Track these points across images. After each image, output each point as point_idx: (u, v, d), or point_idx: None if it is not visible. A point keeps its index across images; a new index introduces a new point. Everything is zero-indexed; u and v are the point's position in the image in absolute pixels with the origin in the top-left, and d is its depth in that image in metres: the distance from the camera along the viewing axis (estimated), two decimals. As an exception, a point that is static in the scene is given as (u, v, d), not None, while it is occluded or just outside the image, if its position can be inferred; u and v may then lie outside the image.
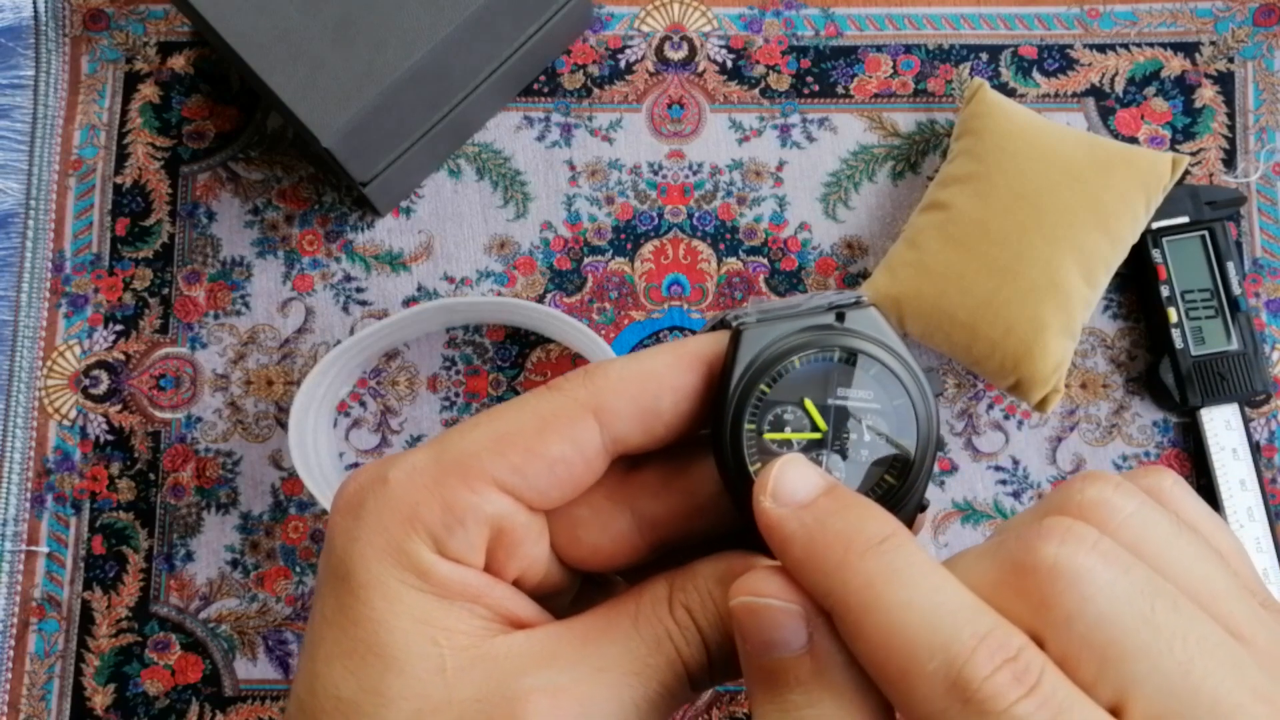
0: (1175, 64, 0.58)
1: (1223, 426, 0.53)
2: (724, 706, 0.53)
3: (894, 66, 0.58)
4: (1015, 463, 0.55)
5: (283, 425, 0.55)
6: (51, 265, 0.57)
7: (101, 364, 0.56)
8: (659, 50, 0.58)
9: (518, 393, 0.56)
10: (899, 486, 0.24)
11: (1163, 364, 0.54)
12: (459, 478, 0.23)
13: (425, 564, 0.23)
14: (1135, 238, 0.52)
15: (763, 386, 0.24)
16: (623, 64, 0.58)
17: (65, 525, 0.55)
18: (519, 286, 0.57)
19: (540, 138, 0.58)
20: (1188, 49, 0.58)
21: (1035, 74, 0.58)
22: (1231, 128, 0.57)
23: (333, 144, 0.48)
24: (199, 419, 0.56)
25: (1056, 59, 0.58)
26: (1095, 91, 0.58)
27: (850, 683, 0.20)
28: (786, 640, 0.20)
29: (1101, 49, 0.58)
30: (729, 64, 0.58)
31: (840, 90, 0.58)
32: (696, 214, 0.57)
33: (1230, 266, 0.54)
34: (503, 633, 0.23)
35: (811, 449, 0.24)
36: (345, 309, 0.56)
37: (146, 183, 0.57)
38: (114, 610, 0.54)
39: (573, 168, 0.57)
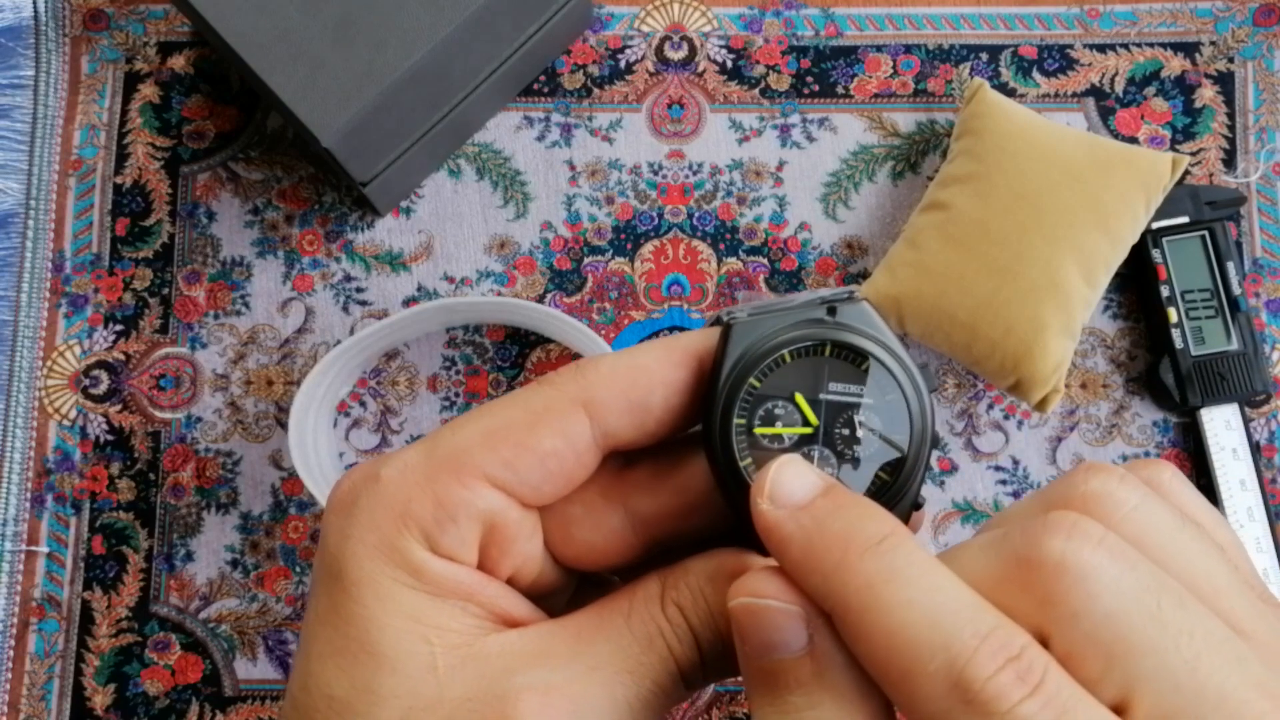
0: (1175, 64, 0.58)
1: (1223, 426, 0.53)
2: (724, 706, 0.53)
3: (894, 66, 0.58)
4: (1015, 463, 0.55)
5: (283, 425, 0.55)
6: (51, 265, 0.57)
7: (101, 364, 0.56)
8: (659, 50, 0.58)
9: (518, 393, 0.55)
10: (892, 483, 0.23)
11: (1163, 364, 0.54)
12: (451, 474, 0.23)
13: (417, 561, 0.23)
14: (1135, 238, 0.52)
15: (753, 381, 0.24)
16: (623, 64, 0.58)
17: (65, 525, 0.55)
18: (519, 286, 0.57)
19: (540, 138, 0.58)
20: (1188, 49, 0.58)
21: (1035, 74, 0.58)
22: (1231, 128, 0.57)
23: (333, 144, 0.48)
24: (199, 419, 0.56)
25: (1056, 59, 0.58)
26: (1095, 91, 0.58)
27: (851, 684, 0.20)
28: (786, 641, 0.20)
29: (1101, 49, 0.58)
30: (729, 64, 0.58)
31: (840, 90, 0.58)
32: (696, 214, 0.57)
33: (1230, 266, 0.54)
34: (495, 631, 0.23)
35: (803, 444, 0.24)
36: (345, 309, 0.56)
37: (146, 183, 0.57)
38: (114, 610, 0.54)
39: (573, 168, 0.57)
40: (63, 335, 0.56)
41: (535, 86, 0.58)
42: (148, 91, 0.58)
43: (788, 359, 0.24)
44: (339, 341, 0.56)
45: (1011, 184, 0.51)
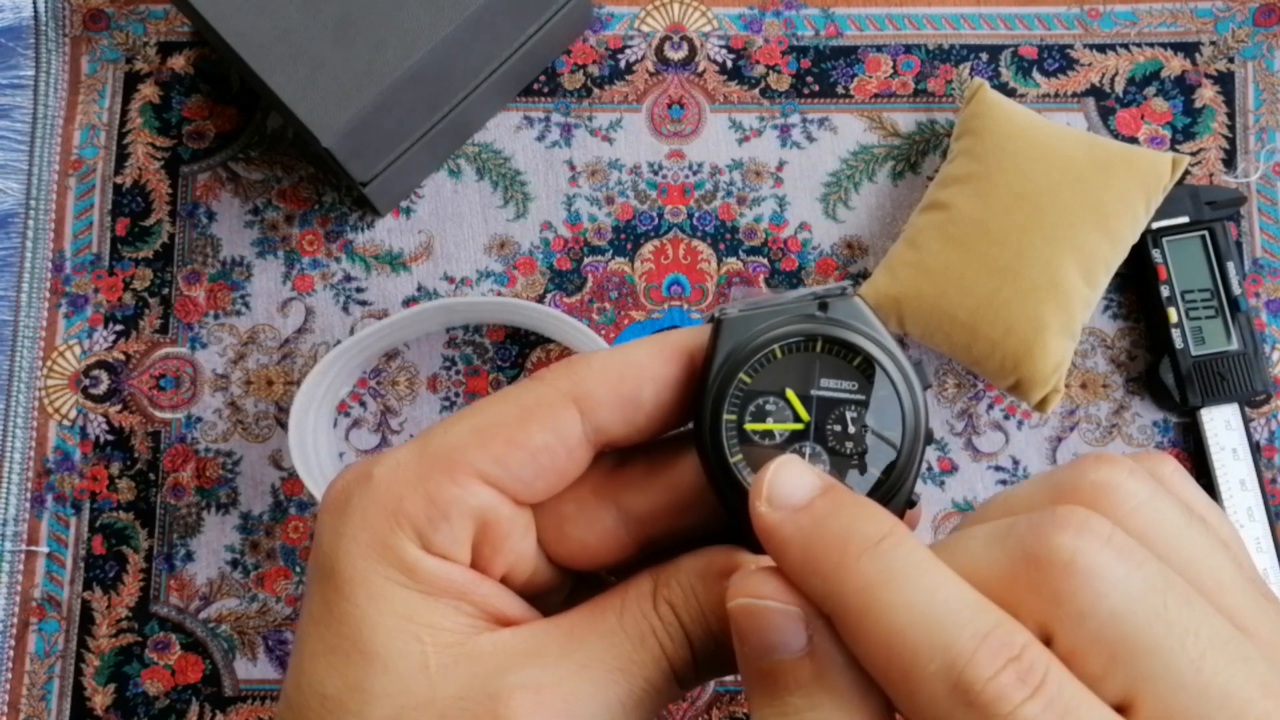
0: (1175, 64, 0.58)
1: (1223, 426, 0.53)
2: (724, 706, 0.53)
3: (894, 66, 0.58)
4: (1015, 463, 0.55)
5: (283, 425, 0.55)
6: (51, 265, 0.57)
7: (101, 364, 0.56)
8: (659, 50, 0.58)
9: (518, 393, 0.55)
10: (885, 480, 0.23)
11: (1163, 364, 0.54)
12: (442, 471, 0.23)
13: (410, 559, 0.23)
14: (1135, 238, 0.52)
15: (743, 376, 0.24)
16: (623, 64, 0.58)
17: (65, 525, 0.55)
18: (519, 286, 0.57)
19: (540, 138, 0.58)
20: (1188, 49, 0.58)
21: (1035, 74, 0.58)
22: (1231, 128, 0.57)
23: (333, 144, 0.48)
24: (199, 419, 0.56)
25: (1056, 59, 0.58)
26: (1095, 91, 0.58)
27: (851, 684, 0.20)
28: (786, 642, 0.20)
29: (1101, 49, 0.58)
30: (729, 64, 0.58)
31: (840, 90, 0.58)
32: (696, 214, 0.57)
33: (1230, 266, 0.54)
34: (488, 630, 0.23)
35: (794, 440, 0.24)
36: (345, 309, 0.56)
37: (146, 183, 0.57)
38: (114, 610, 0.54)
39: (573, 168, 0.57)
40: (63, 335, 0.56)
41: (535, 86, 0.58)
42: (148, 91, 0.58)
43: (779, 354, 0.24)
44: (339, 341, 0.56)
45: (1011, 184, 0.51)
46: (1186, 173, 0.57)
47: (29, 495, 0.55)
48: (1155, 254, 0.54)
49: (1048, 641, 0.18)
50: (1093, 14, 0.58)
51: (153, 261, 0.57)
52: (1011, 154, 0.52)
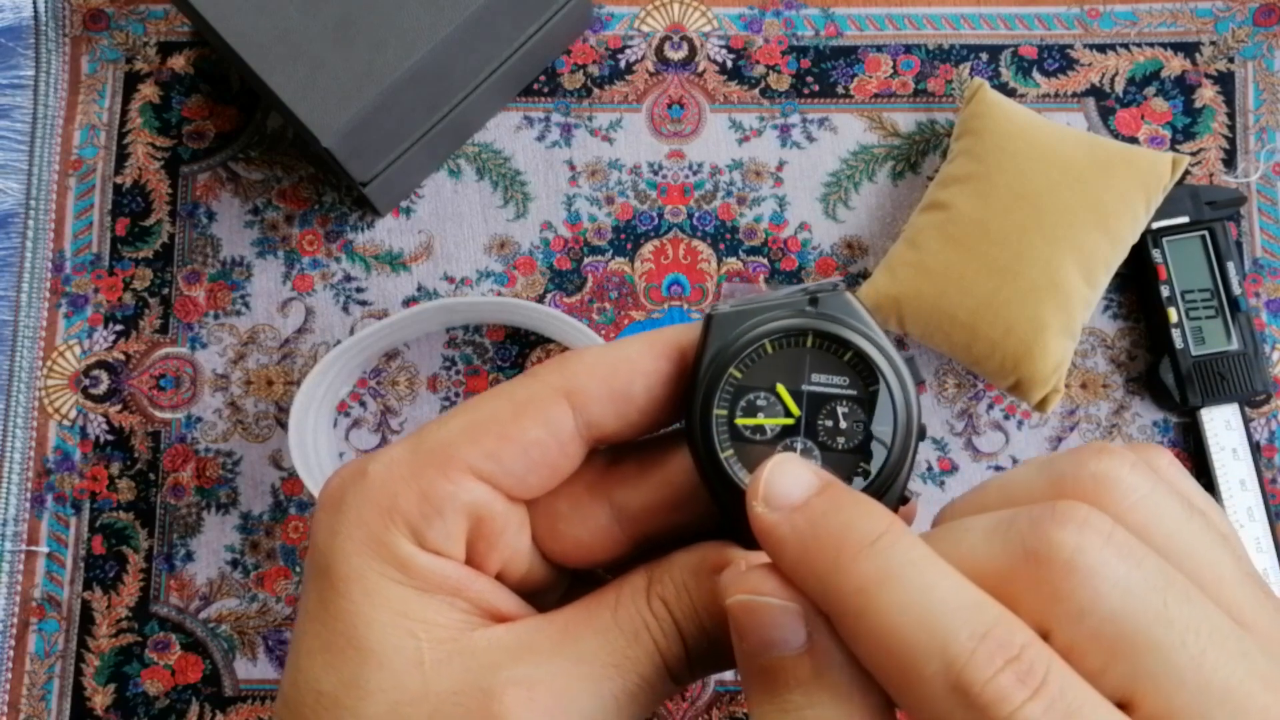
0: (1175, 64, 0.58)
1: (1223, 426, 0.53)
2: (724, 706, 0.53)
3: (894, 66, 0.58)
4: (1015, 463, 0.55)
5: (283, 425, 0.55)
6: (51, 265, 0.57)
7: (101, 364, 0.56)
8: (659, 50, 0.58)
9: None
10: (877, 476, 0.23)
11: (1163, 364, 0.54)
12: (436, 468, 0.23)
13: (404, 556, 0.23)
14: (1135, 238, 0.52)
15: (734, 371, 0.24)
16: (623, 64, 0.58)
17: (65, 525, 0.55)
18: (519, 286, 0.57)
19: (540, 138, 0.58)
20: (1188, 49, 0.58)
21: (1035, 74, 0.58)
22: (1231, 128, 0.57)
23: (333, 144, 0.48)
24: (199, 419, 0.56)
25: (1056, 59, 0.58)
26: (1095, 91, 0.58)
27: (851, 682, 0.20)
28: (785, 639, 0.20)
29: (1101, 49, 0.58)
30: (729, 64, 0.58)
31: (840, 90, 0.58)
32: (696, 214, 0.57)
33: (1230, 266, 0.54)
34: (483, 625, 0.23)
35: (784, 435, 0.23)
36: (345, 309, 0.56)
37: (146, 183, 0.57)
38: (114, 610, 0.54)
39: (573, 168, 0.57)
40: (63, 335, 0.56)
41: (535, 86, 0.58)
42: (148, 91, 0.58)
43: (769, 349, 0.24)
44: (339, 341, 0.56)
45: (1011, 184, 0.51)
46: (1186, 173, 0.57)
47: (29, 495, 0.55)
48: (1155, 254, 0.54)
49: (1045, 637, 0.18)
50: (1093, 14, 0.58)
51: (153, 261, 0.57)
52: (1011, 154, 0.52)
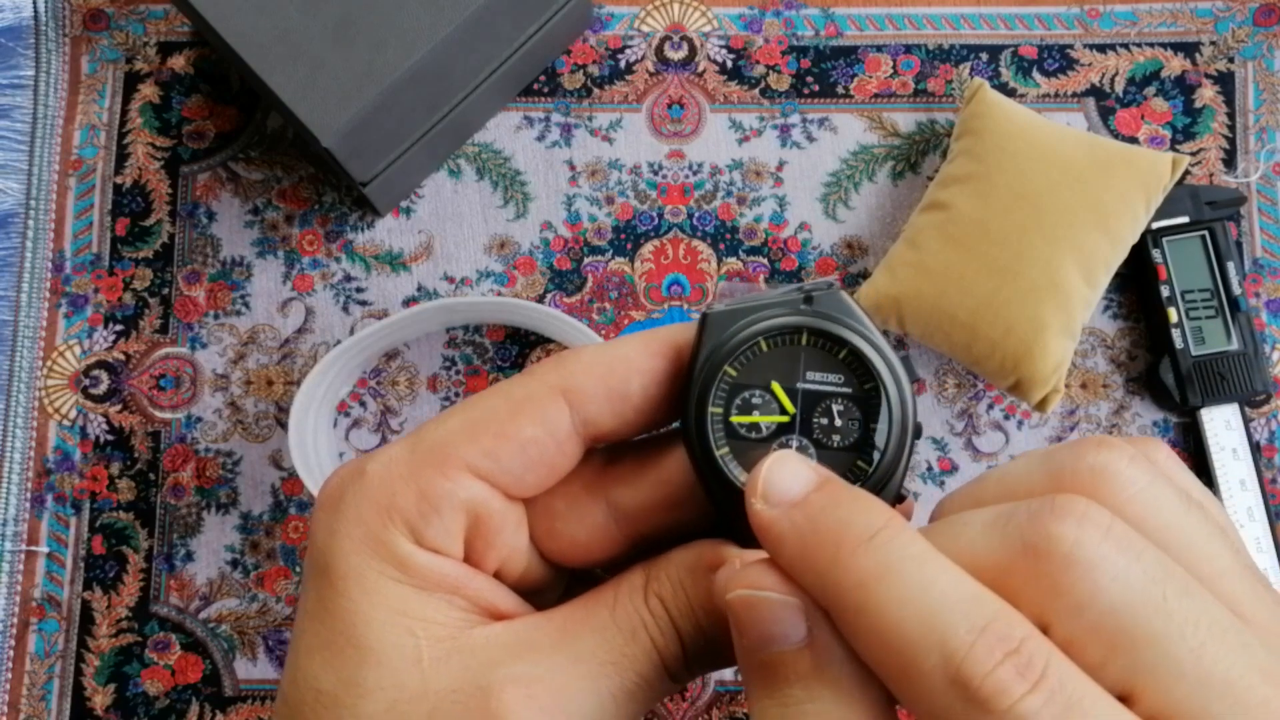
0: (1175, 64, 0.58)
1: (1223, 426, 0.53)
2: (724, 706, 0.53)
3: (894, 66, 0.58)
4: (1015, 463, 0.55)
5: (283, 425, 0.55)
6: (51, 265, 0.57)
7: (101, 364, 0.56)
8: (659, 50, 0.58)
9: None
10: (872, 474, 0.23)
11: (1163, 364, 0.54)
12: (434, 466, 0.23)
13: (403, 554, 0.23)
14: (1135, 238, 0.52)
15: (729, 369, 0.24)
16: (623, 64, 0.58)
17: (65, 525, 0.55)
18: (519, 286, 0.57)
19: (540, 138, 0.58)
20: (1188, 49, 0.58)
21: (1035, 74, 0.58)
22: (1231, 128, 0.57)
23: (333, 144, 0.48)
24: (199, 419, 0.56)
25: (1056, 59, 0.58)
26: (1095, 91, 0.58)
27: (851, 676, 0.20)
28: (785, 634, 0.20)
29: (1101, 49, 0.58)
30: (729, 64, 0.58)
31: (840, 90, 0.58)
32: (696, 214, 0.57)
33: (1230, 266, 0.54)
34: (481, 623, 0.23)
35: (780, 433, 0.24)
36: (345, 309, 0.56)
37: (146, 183, 0.57)
38: (114, 610, 0.54)
39: (573, 168, 0.57)
40: (63, 335, 0.56)
41: (535, 86, 0.58)
42: (148, 91, 0.58)
43: (764, 348, 0.24)
44: (339, 341, 0.56)
45: (1011, 184, 0.51)
46: (1186, 173, 0.57)
47: (29, 495, 0.55)
48: (1155, 254, 0.54)
49: (1045, 631, 0.18)
50: (1093, 14, 0.58)
51: (153, 261, 0.57)
52: (1011, 154, 0.52)
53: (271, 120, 0.58)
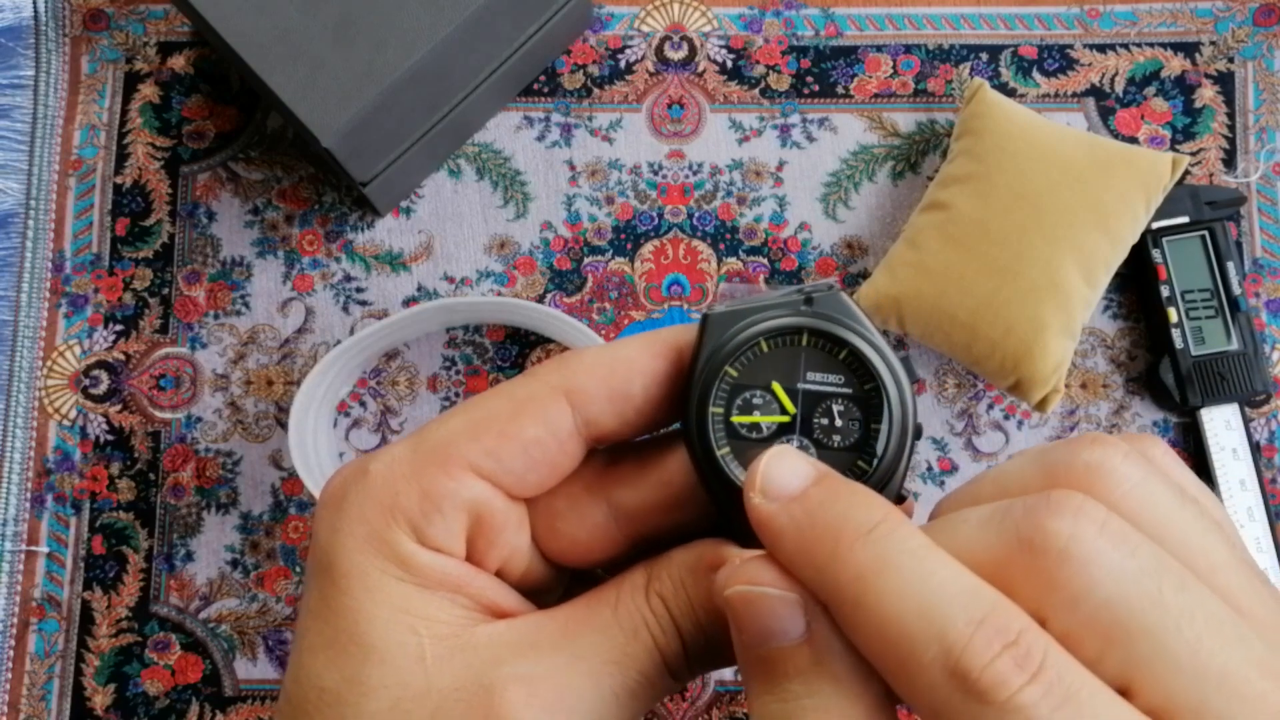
0: (1175, 64, 0.58)
1: (1223, 426, 0.53)
2: (724, 706, 0.53)
3: (894, 66, 0.58)
4: (1015, 463, 0.55)
5: (283, 425, 0.55)
6: (51, 265, 0.57)
7: (101, 364, 0.56)
8: (659, 50, 0.58)
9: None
10: (872, 474, 0.23)
11: (1163, 364, 0.54)
12: (436, 465, 0.23)
13: (405, 553, 0.23)
14: (1135, 238, 0.52)
15: (730, 370, 0.24)
16: (623, 64, 0.58)
17: (65, 525, 0.55)
18: (519, 286, 0.57)
19: (540, 138, 0.58)
20: (1188, 49, 0.58)
21: (1035, 74, 0.58)
22: (1231, 128, 0.57)
23: (333, 144, 0.48)
24: (199, 419, 0.56)
25: (1056, 59, 0.58)
26: (1095, 91, 0.58)
27: (850, 671, 0.20)
28: (784, 629, 0.20)
29: (1101, 49, 0.58)
30: (729, 64, 0.58)
31: (840, 90, 0.58)
32: (696, 214, 0.57)
33: (1230, 266, 0.54)
34: (484, 622, 0.24)
35: (781, 433, 0.24)
36: (345, 309, 0.56)
37: (146, 183, 0.57)
38: (114, 610, 0.54)
39: (573, 168, 0.57)
40: (63, 335, 0.56)
41: (535, 86, 0.58)
42: (148, 91, 0.58)
43: (765, 348, 0.24)
44: (339, 341, 0.56)
45: (1011, 184, 0.51)
46: (1186, 173, 0.57)
47: (29, 495, 0.55)
48: (1155, 254, 0.54)
49: (1042, 625, 0.18)
50: (1093, 14, 0.58)
51: (153, 261, 0.57)
52: (1011, 154, 0.52)
53: (271, 120, 0.58)
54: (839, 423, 0.24)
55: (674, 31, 0.58)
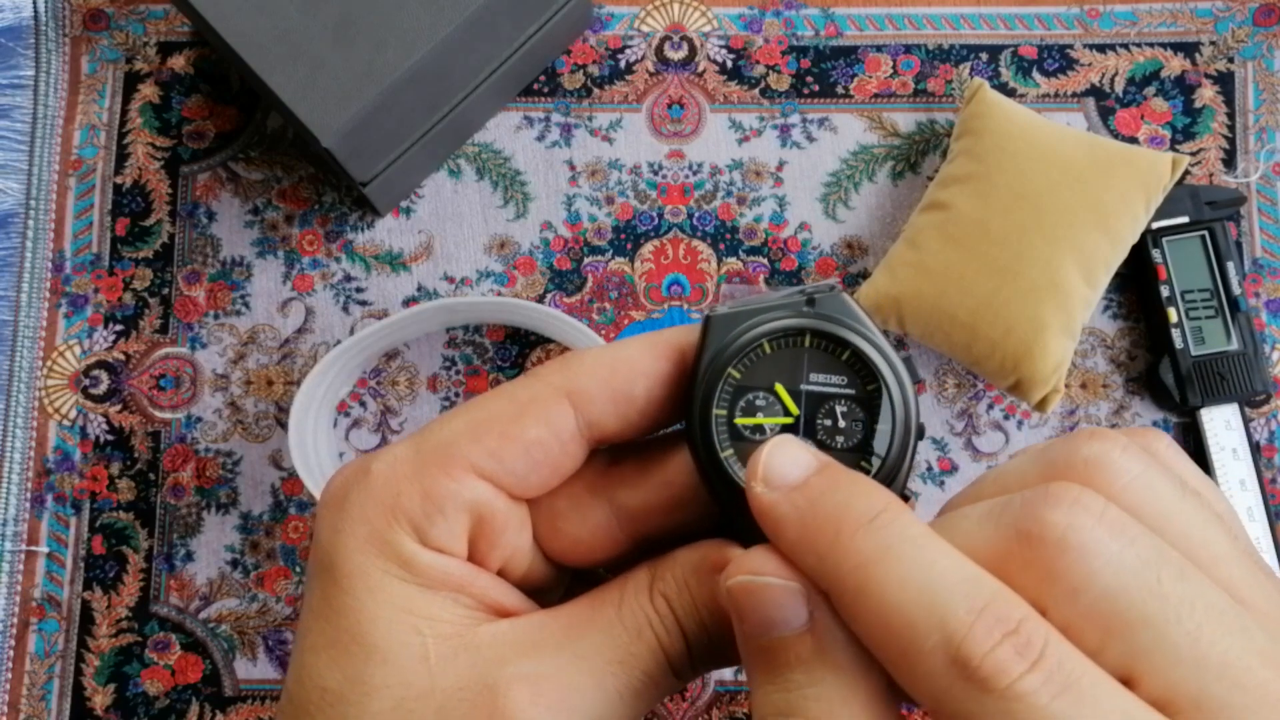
0: (1175, 64, 0.58)
1: (1223, 426, 0.53)
2: (724, 706, 0.53)
3: (894, 66, 0.58)
4: (1015, 463, 0.55)
5: (283, 425, 0.55)
6: (51, 265, 0.57)
7: (101, 364, 0.56)
8: (659, 50, 0.58)
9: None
10: (876, 475, 0.23)
11: (1163, 364, 0.54)
12: (438, 466, 0.23)
13: (407, 553, 0.23)
14: (1135, 238, 0.52)
15: (733, 371, 0.24)
16: (623, 64, 0.58)
17: (65, 525, 0.55)
18: (519, 286, 0.57)
19: (540, 138, 0.58)
20: (1188, 49, 0.58)
21: (1035, 74, 0.58)
22: (1231, 128, 0.57)
23: (333, 144, 0.48)
24: (199, 419, 0.56)
25: (1056, 59, 0.58)
26: (1095, 91, 0.58)
27: (853, 660, 0.20)
28: (786, 619, 0.20)
29: (1101, 49, 0.58)
30: (729, 64, 0.58)
31: (840, 90, 0.58)
32: (696, 214, 0.57)
33: (1230, 266, 0.54)
34: (487, 621, 0.24)
35: (784, 434, 0.24)
36: (345, 309, 0.56)
37: (146, 183, 0.57)
38: (114, 610, 0.54)
39: (573, 168, 0.57)
40: (63, 335, 0.56)
41: (535, 86, 0.58)
42: (148, 91, 0.58)
43: (767, 349, 0.24)
44: (339, 341, 0.56)
45: (1011, 184, 0.51)
46: (1186, 173, 0.57)
47: (29, 495, 0.55)
48: (1155, 254, 0.54)
49: (1042, 616, 0.18)
50: (1093, 14, 0.58)
51: (153, 261, 0.57)
52: (1011, 154, 0.52)
53: (271, 120, 0.58)
54: (842, 424, 0.24)
55: (674, 31, 0.58)
